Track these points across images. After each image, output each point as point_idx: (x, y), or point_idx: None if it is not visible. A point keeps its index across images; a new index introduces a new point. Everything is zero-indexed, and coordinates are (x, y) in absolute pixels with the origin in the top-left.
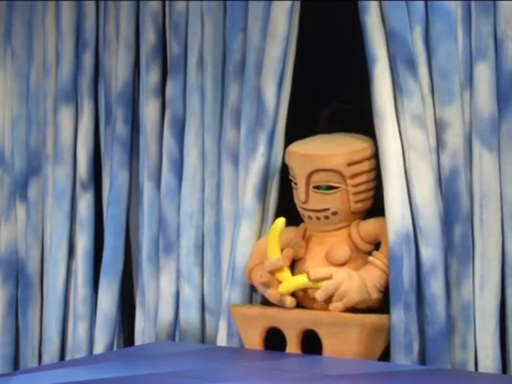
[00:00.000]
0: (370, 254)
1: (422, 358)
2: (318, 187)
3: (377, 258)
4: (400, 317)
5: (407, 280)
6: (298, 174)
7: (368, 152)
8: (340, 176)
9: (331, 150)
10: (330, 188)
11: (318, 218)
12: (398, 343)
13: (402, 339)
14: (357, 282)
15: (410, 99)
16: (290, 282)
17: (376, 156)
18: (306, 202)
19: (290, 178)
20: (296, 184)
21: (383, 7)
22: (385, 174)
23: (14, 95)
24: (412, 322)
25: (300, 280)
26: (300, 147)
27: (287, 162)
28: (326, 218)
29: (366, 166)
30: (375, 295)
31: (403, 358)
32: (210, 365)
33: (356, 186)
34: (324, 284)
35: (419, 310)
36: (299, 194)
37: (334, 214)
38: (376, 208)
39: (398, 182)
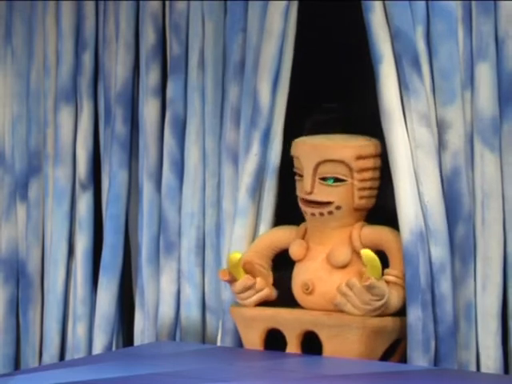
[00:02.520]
0: None
1: (434, 358)
2: (324, 179)
3: (393, 276)
4: (417, 315)
5: (423, 278)
6: (305, 164)
7: (376, 149)
8: (347, 169)
9: (340, 142)
10: (336, 181)
11: (321, 214)
12: (416, 342)
13: (420, 338)
14: (381, 310)
15: (416, 98)
16: (373, 258)
17: (382, 156)
18: (311, 192)
19: (295, 170)
20: (301, 176)
21: (387, 7)
22: (395, 173)
23: (14, 95)
24: (429, 320)
25: (376, 265)
26: (308, 139)
27: (294, 152)
28: (330, 213)
29: (373, 162)
30: (388, 314)
31: (421, 356)
32: (210, 365)
33: (362, 181)
34: (367, 294)
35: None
36: (304, 185)
37: (338, 208)
38: (379, 211)
39: (409, 180)
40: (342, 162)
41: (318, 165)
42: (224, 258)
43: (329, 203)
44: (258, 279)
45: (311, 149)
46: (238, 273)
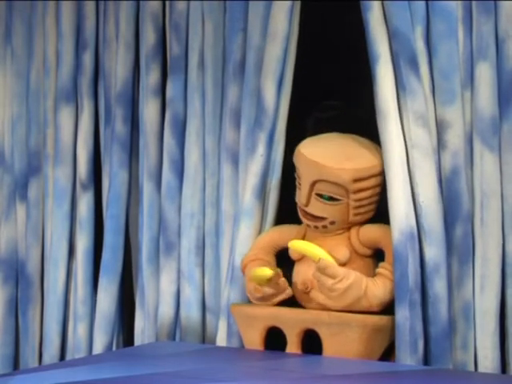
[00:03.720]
0: (368, 257)
1: (425, 358)
2: (320, 195)
3: (384, 268)
4: (405, 315)
5: (412, 278)
6: (303, 178)
7: (377, 169)
8: (344, 190)
9: (340, 162)
10: (331, 199)
11: (316, 228)
12: (404, 342)
13: (408, 338)
14: (355, 295)
15: (413, 98)
16: (305, 244)
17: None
18: (306, 205)
19: (296, 176)
20: (300, 184)
21: (386, 6)
22: (388, 174)
23: (14, 95)
24: (417, 320)
25: (313, 250)
26: (309, 150)
27: (295, 161)
28: (324, 227)
29: (373, 182)
30: (376, 307)
31: (408, 357)
32: (210, 365)
33: (358, 200)
34: (327, 279)
35: (423, 310)
36: (301, 197)
37: (332, 223)
38: (378, 212)
39: (402, 180)
40: (338, 184)
41: (314, 182)
42: (224, 257)
43: (323, 218)
44: (282, 280)
45: (309, 165)
46: (264, 282)
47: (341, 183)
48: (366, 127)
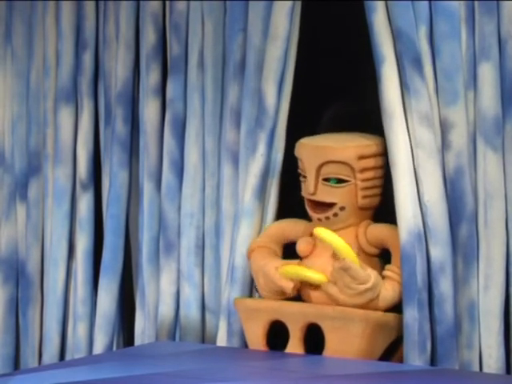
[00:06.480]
0: (375, 257)
1: (432, 358)
2: (327, 180)
3: (393, 272)
4: (414, 316)
5: (420, 278)
6: (308, 166)
7: (378, 148)
8: (350, 169)
9: (342, 143)
10: (339, 181)
11: (327, 218)
12: (412, 342)
13: (416, 338)
14: (369, 297)
15: (417, 99)
16: (332, 236)
17: (385, 154)
18: (314, 193)
19: (299, 171)
20: (305, 177)
21: (389, 7)
22: (394, 173)
23: (14, 95)
24: (425, 320)
25: (340, 245)
26: (311, 140)
27: (297, 154)
28: (335, 215)
29: (376, 161)
30: (381, 309)
31: (417, 357)
32: (209, 365)
33: (365, 180)
34: (347, 276)
35: (430, 309)
36: (308, 186)
37: (342, 209)
38: (384, 210)
39: (408, 180)
40: (344, 162)
41: (320, 166)
42: (224, 257)
43: (332, 204)
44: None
45: (313, 150)
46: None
47: (346, 161)
48: (367, 128)
